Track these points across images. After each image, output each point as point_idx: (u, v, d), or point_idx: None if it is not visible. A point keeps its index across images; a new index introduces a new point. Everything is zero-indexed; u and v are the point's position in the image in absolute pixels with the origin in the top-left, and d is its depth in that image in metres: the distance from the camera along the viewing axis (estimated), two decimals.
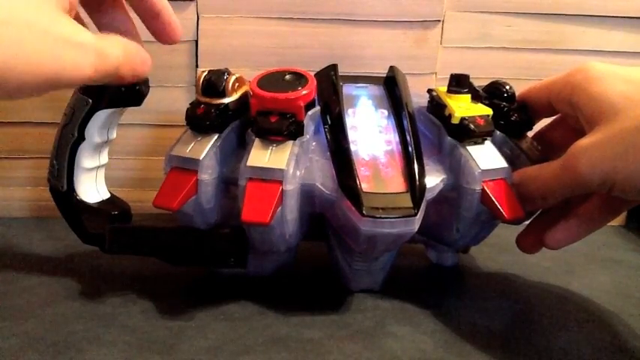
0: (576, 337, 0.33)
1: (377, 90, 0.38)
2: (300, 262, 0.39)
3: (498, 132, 0.36)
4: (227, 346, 0.31)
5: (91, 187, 0.37)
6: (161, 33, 0.31)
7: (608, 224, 0.36)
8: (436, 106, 0.36)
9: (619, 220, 0.52)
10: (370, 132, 0.35)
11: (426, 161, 0.33)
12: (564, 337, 0.33)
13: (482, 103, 0.36)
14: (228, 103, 0.33)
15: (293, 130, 0.32)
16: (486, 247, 0.41)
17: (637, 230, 0.51)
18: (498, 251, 0.45)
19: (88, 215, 0.36)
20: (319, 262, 0.40)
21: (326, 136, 0.34)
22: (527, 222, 0.38)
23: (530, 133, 0.39)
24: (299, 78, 0.33)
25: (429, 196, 0.33)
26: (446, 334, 0.33)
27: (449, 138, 0.35)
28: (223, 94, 0.33)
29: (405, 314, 0.35)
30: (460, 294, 0.39)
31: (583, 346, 0.32)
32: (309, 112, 0.33)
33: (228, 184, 0.34)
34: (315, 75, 0.35)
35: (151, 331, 0.32)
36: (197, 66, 0.47)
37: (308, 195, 0.33)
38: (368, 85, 0.39)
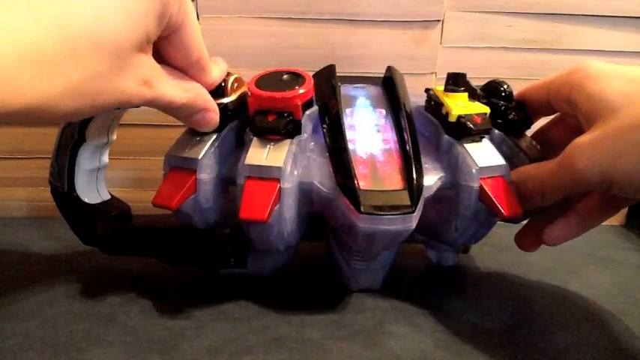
0: (576, 337, 0.33)
1: (375, 90, 0.38)
2: (300, 262, 0.39)
3: (497, 131, 0.36)
4: (227, 346, 0.31)
5: (92, 188, 0.37)
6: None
7: (608, 224, 0.36)
8: (433, 105, 0.36)
9: (619, 220, 0.52)
10: (368, 131, 0.35)
11: (423, 159, 0.33)
12: (564, 337, 0.33)
13: (479, 101, 0.36)
14: (227, 103, 0.33)
15: (290, 129, 0.32)
16: (486, 246, 0.42)
17: (637, 230, 0.51)
18: (498, 251, 0.44)
19: (89, 216, 0.36)
20: (319, 262, 0.40)
21: (324, 135, 0.34)
22: (525, 221, 0.38)
23: (529, 132, 0.38)
24: (296, 78, 0.33)
25: (426, 193, 0.33)
26: (446, 334, 0.33)
27: (446, 136, 0.35)
28: (222, 94, 0.33)
29: (405, 314, 0.35)
30: (460, 294, 0.38)
31: (583, 346, 0.32)
32: (308, 112, 0.34)
33: (227, 184, 0.34)
34: (313, 75, 0.35)
35: (151, 331, 0.32)
36: None
37: (306, 193, 0.33)
38: (366, 85, 0.39)
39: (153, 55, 0.28)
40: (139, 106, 0.30)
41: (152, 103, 0.28)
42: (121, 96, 0.25)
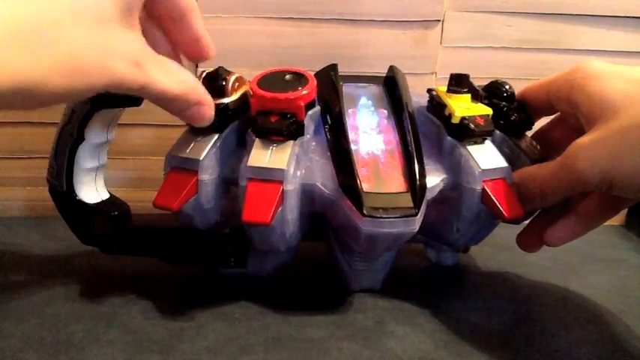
0: (576, 337, 0.33)
1: (377, 90, 0.38)
2: (300, 262, 0.39)
3: (498, 131, 0.36)
4: (227, 346, 0.31)
5: (91, 187, 0.36)
6: (199, 54, 0.32)
7: (609, 224, 0.36)
8: (436, 105, 0.36)
9: (619, 220, 0.52)
10: (370, 132, 0.35)
11: (426, 161, 0.33)
12: (564, 337, 0.33)
13: (482, 102, 0.36)
14: (228, 103, 0.33)
15: (293, 130, 0.32)
16: (486, 246, 0.42)
17: (637, 230, 0.51)
18: (498, 251, 0.44)
19: (88, 216, 0.36)
20: (319, 262, 0.40)
21: (326, 136, 0.34)
22: (527, 221, 0.38)
23: (529, 133, 0.39)
24: (299, 78, 0.33)
25: (429, 195, 0.33)
26: (446, 334, 0.33)
27: (449, 138, 0.35)
28: (223, 94, 0.33)
29: (405, 314, 0.35)
30: (460, 294, 0.39)
31: (583, 346, 0.32)
32: (310, 112, 0.33)
33: (228, 184, 0.34)
34: (315, 75, 0.35)
35: (150, 331, 0.32)
36: (197, 66, 0.47)
37: (308, 195, 0.33)
38: (368, 84, 0.39)
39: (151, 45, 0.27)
40: (134, 100, 0.30)
41: (144, 90, 0.26)
42: (112, 76, 0.24)
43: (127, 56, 0.25)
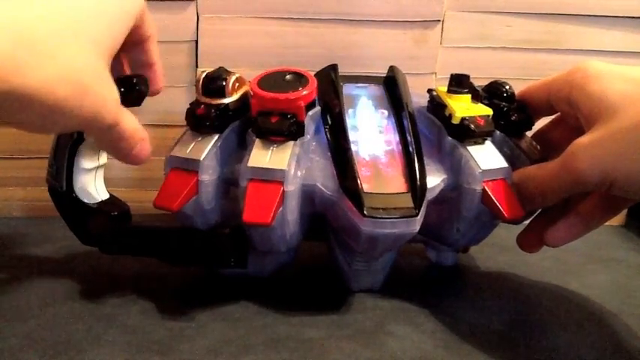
0: (576, 337, 0.33)
1: (377, 90, 0.38)
2: (300, 262, 0.39)
3: (498, 132, 0.37)
4: (227, 346, 0.31)
5: (91, 187, 0.36)
6: (151, 82, 0.33)
7: (608, 224, 0.36)
8: (436, 106, 0.36)
9: (619, 220, 0.53)
10: (370, 132, 0.35)
11: (426, 161, 0.33)
12: (564, 337, 0.33)
13: (482, 103, 0.36)
14: (228, 103, 0.33)
15: (294, 131, 0.32)
16: (486, 247, 0.42)
17: (637, 230, 0.51)
18: (498, 251, 0.45)
19: (88, 216, 0.36)
20: (319, 262, 0.40)
21: (326, 136, 0.34)
22: (527, 221, 0.38)
23: (529, 133, 0.39)
24: (299, 78, 0.33)
25: (429, 196, 0.33)
26: (446, 334, 0.33)
27: (449, 138, 0.35)
28: (223, 95, 0.33)
29: (405, 314, 0.35)
30: (460, 294, 0.39)
31: (583, 346, 0.32)
32: (310, 113, 0.33)
33: (228, 185, 0.34)
34: (315, 75, 0.35)
35: (151, 331, 0.32)
36: (197, 66, 0.47)
37: (309, 195, 0.33)
38: (368, 85, 0.39)
39: None
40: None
41: (115, 127, 0.27)
42: (101, 107, 0.25)
43: (113, 96, 0.26)
